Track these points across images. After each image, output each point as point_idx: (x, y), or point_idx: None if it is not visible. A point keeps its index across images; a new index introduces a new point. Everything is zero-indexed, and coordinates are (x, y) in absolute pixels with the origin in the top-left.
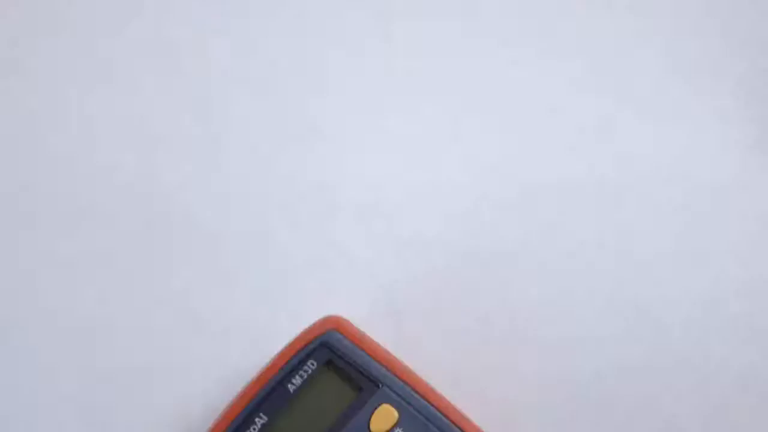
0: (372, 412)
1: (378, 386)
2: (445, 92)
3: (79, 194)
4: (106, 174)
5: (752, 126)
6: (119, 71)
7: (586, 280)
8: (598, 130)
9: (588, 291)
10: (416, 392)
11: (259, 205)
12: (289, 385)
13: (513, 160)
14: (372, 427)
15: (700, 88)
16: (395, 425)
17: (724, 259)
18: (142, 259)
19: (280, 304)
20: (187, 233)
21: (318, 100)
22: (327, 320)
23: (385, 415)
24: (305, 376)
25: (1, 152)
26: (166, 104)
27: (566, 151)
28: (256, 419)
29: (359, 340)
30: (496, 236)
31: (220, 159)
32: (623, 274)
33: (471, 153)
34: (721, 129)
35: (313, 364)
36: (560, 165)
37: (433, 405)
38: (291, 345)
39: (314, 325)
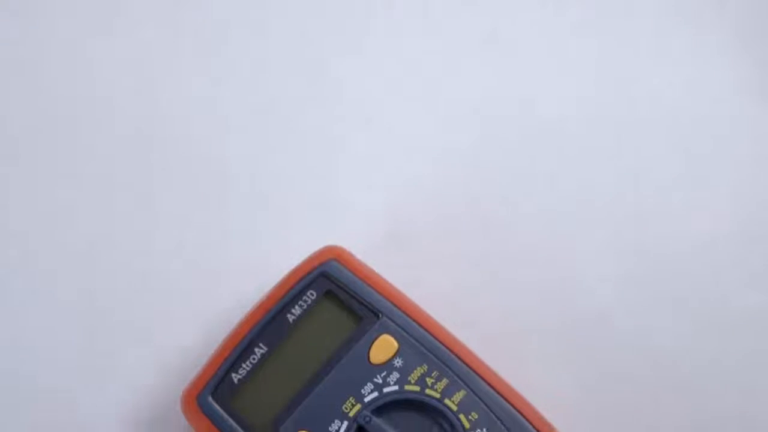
0: (372, 343)
1: (378, 316)
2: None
3: (80, 118)
4: (106, 98)
5: (753, 68)
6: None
7: (587, 219)
8: (597, 71)
9: (588, 229)
10: (416, 322)
11: (259, 140)
12: (289, 315)
13: (514, 97)
14: (372, 357)
15: (701, 28)
16: (395, 355)
17: (723, 200)
18: (142, 192)
19: (279, 235)
20: (186, 167)
21: (324, 40)
22: (326, 250)
23: (384, 346)
24: (305, 306)
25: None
26: (168, 40)
27: (566, 91)
28: (256, 349)
29: (359, 271)
30: (496, 172)
31: (220, 94)
32: (623, 214)
33: (472, 86)
34: (722, 71)
35: (312, 294)
36: (560, 105)
37: (433, 335)
38: (290, 275)
39: (314, 255)
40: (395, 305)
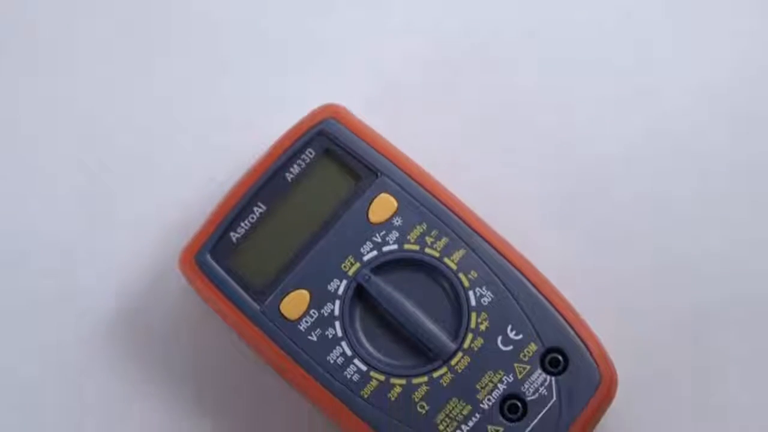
0: (371, 201)
1: (377, 175)
2: None
3: None
4: None
5: None
6: None
7: (586, 66)
8: None
9: (588, 78)
10: (415, 181)
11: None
12: (287, 174)
13: None
14: (371, 216)
15: None
16: (394, 214)
17: (723, 45)
18: (141, 50)
19: (278, 94)
20: (185, 23)
21: None
22: (325, 108)
23: (384, 204)
24: (303, 165)
25: None
26: None
27: None
28: (255, 208)
29: (358, 129)
30: (497, 29)
31: None
32: (623, 62)
33: None
34: None
35: (311, 153)
36: None
37: (432, 194)
38: (289, 134)
39: (312, 113)
40: (394, 164)
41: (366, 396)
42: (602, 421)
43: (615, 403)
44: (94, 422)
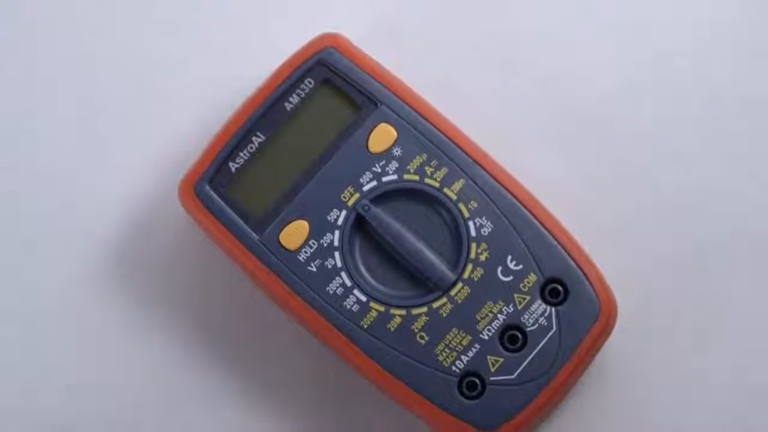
0: (370, 132)
1: (376, 105)
2: None
3: None
4: None
5: None
6: None
7: (585, 3)
8: None
9: (586, 14)
10: (416, 111)
11: None
12: (286, 104)
13: None
14: (370, 146)
15: None
16: (394, 144)
17: None
18: None
19: (276, 23)
20: None
21: None
22: (324, 38)
23: (383, 135)
24: (302, 95)
25: None
26: None
27: None
28: (253, 138)
29: (357, 58)
30: None
31: None
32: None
33: None
34: None
35: (310, 83)
36: None
37: (432, 124)
38: (287, 63)
39: (311, 42)
40: (394, 93)
41: (365, 326)
42: (602, 350)
43: (615, 333)
44: (95, 356)
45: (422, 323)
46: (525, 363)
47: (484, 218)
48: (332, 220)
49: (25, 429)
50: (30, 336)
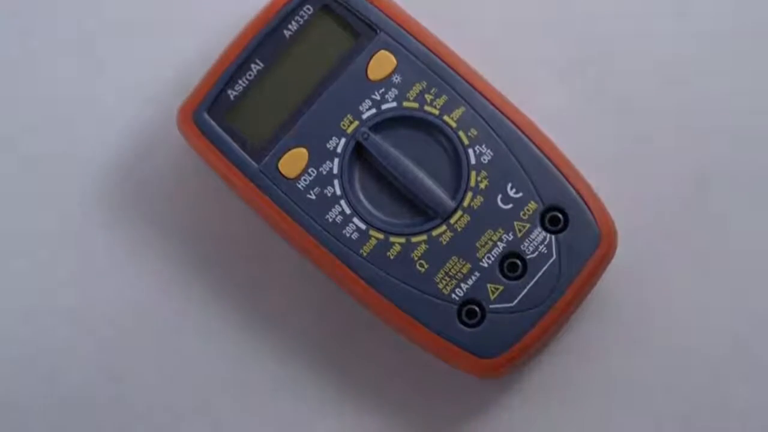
0: (369, 59)
1: (376, 32)
2: None
3: None
4: None
5: None
6: None
7: None
8: None
9: None
10: (415, 38)
11: None
12: (285, 31)
13: None
14: (369, 73)
15: None
16: (393, 72)
17: None
18: None
19: None
20: None
21: None
22: None
23: (383, 62)
24: (301, 22)
25: None
26: None
27: None
28: (252, 65)
29: None
30: None
31: None
32: None
33: None
34: None
35: (309, 10)
36: None
37: (432, 51)
38: None
39: None
40: (394, 20)
41: (365, 254)
42: (602, 278)
43: (615, 260)
44: (94, 281)
45: (422, 251)
46: (525, 291)
47: (483, 146)
48: (331, 148)
49: (24, 352)
50: (29, 259)
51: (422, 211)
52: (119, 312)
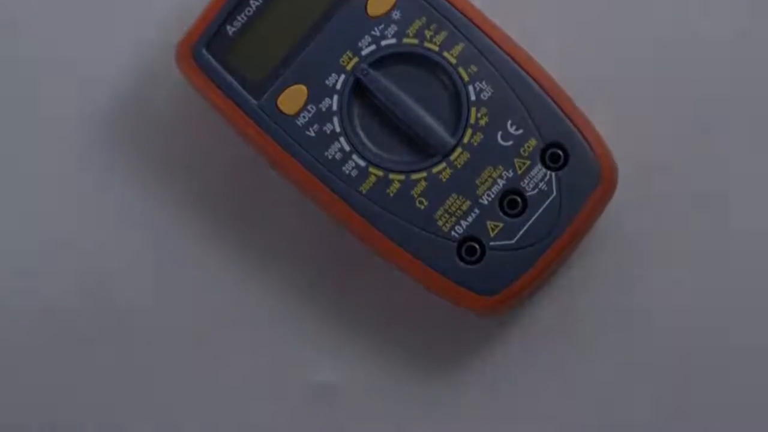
0: None
1: None
2: None
3: None
4: None
5: None
6: None
7: None
8: None
9: None
10: None
11: None
12: None
13: None
14: (369, 9)
15: None
16: (393, 7)
17: None
18: None
19: None
20: None
21: None
22: None
23: None
24: None
25: None
26: None
27: None
28: (251, 1)
29: None
30: None
31: None
32: None
33: None
34: None
35: None
36: None
37: None
38: None
39: None
40: None
41: (364, 191)
42: (602, 215)
43: (615, 197)
44: (94, 222)
45: (421, 188)
46: (525, 228)
47: (483, 82)
48: (331, 85)
49: (24, 299)
50: (27, 191)
51: (422, 148)
52: (118, 247)
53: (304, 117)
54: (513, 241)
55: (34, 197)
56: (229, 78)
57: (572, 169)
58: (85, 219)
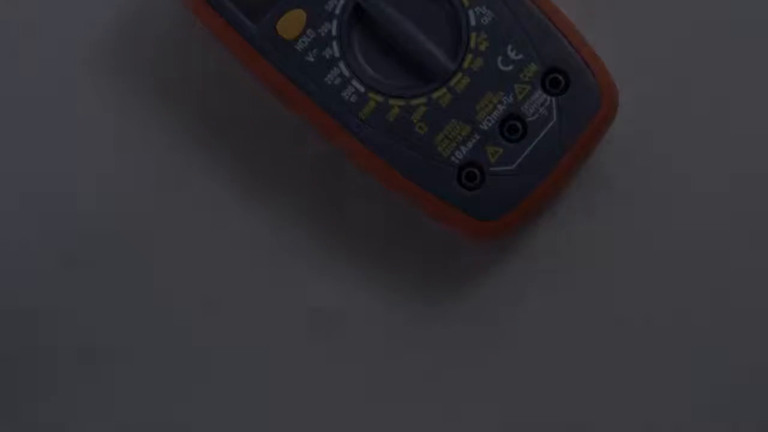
0: None
1: None
2: None
3: None
4: None
5: None
6: None
7: None
8: None
9: None
10: None
11: None
12: None
13: None
14: None
15: None
16: None
17: None
18: None
19: None
20: None
21: None
22: None
23: None
24: None
25: None
26: None
27: None
28: None
29: None
30: None
31: None
32: None
33: None
34: None
35: None
36: None
37: None
38: None
39: None
40: None
41: (364, 117)
42: (603, 141)
43: (616, 124)
44: (93, 146)
45: (421, 113)
46: (525, 153)
47: (483, 7)
48: (330, 10)
49: (27, 225)
50: (29, 126)
51: (422, 73)
52: (119, 180)
53: (303, 42)
54: (513, 167)
55: (33, 119)
56: (227, 2)
57: (572, 94)
58: (83, 142)
